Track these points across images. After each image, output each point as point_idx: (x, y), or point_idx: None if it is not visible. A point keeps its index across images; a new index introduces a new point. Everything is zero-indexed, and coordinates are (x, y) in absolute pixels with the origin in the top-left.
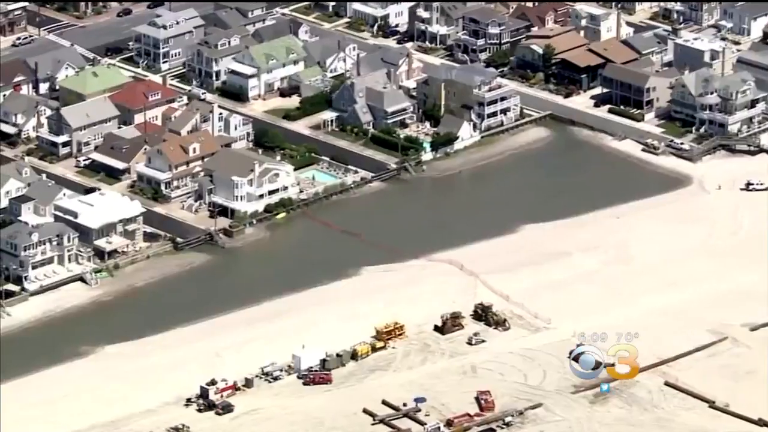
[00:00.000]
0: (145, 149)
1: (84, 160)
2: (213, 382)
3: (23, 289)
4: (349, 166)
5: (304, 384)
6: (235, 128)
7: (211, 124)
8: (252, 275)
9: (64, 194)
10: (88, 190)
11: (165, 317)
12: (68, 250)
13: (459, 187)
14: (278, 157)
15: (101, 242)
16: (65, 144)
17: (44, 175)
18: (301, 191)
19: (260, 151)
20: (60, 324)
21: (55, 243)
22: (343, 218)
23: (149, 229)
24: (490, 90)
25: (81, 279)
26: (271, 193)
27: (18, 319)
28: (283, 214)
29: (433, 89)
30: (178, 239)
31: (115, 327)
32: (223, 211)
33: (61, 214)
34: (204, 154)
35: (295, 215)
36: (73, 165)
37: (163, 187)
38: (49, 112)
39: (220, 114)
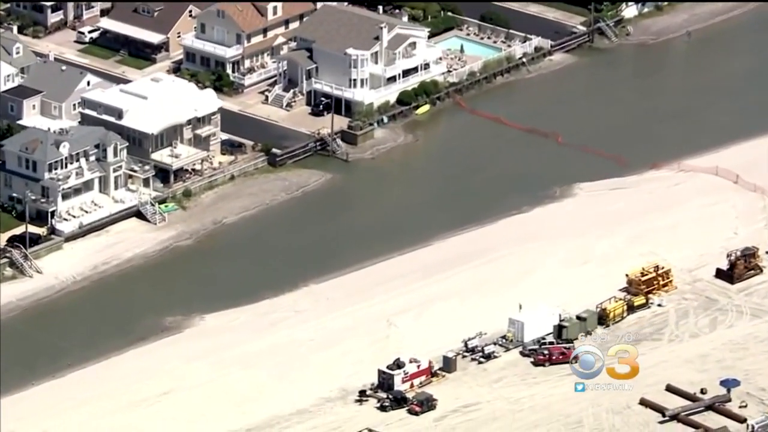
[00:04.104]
0: (191, 12)
1: (90, 32)
2: (398, 365)
3: (53, 231)
4: (512, 31)
5: (535, 364)
6: None
7: None
8: (400, 201)
9: (89, 83)
10: None
11: (285, 269)
12: (114, 170)
13: (690, 58)
14: (405, 17)
15: (163, 156)
16: (56, 8)
17: (52, 55)
18: (448, 71)
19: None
20: (121, 283)
21: (93, 158)
22: (519, 110)
23: (224, 136)
24: None
25: (138, 214)
26: (406, 73)
27: (55, 277)
28: (426, 107)
29: None
30: (275, 150)
31: (209, 286)
32: (335, 105)
33: (93, 114)
34: (289, 17)
35: (444, 107)
36: (72, 40)
37: (230, 70)
38: None
39: None
